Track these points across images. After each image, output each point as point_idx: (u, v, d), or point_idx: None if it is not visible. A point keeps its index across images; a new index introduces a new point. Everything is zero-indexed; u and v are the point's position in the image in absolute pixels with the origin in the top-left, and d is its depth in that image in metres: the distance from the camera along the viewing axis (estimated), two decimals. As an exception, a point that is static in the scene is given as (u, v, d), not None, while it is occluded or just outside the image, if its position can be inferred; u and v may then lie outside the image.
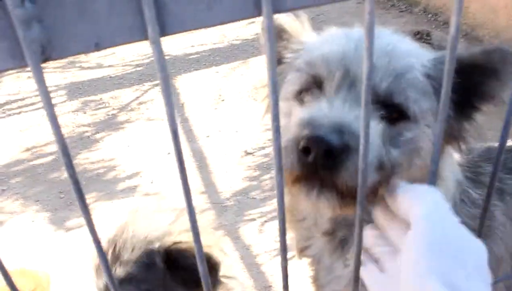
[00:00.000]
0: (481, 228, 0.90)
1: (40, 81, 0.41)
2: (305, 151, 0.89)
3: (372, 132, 0.88)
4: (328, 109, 0.97)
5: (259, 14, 0.44)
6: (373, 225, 0.92)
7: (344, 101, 0.99)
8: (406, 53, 1.08)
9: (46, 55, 0.41)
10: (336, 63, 1.06)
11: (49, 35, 0.40)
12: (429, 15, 6.00)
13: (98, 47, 0.41)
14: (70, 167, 0.47)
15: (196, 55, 5.50)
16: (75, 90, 5.10)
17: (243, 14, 0.44)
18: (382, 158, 0.97)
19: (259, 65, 5.22)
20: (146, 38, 0.42)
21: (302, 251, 1.41)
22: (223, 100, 4.73)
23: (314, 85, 1.10)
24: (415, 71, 1.05)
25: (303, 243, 1.39)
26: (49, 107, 0.42)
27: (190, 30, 0.43)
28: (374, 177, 0.94)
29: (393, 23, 5.91)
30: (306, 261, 1.47)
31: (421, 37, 5.74)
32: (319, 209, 1.06)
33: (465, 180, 1.33)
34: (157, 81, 5.03)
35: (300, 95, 1.14)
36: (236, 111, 4.54)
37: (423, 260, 0.71)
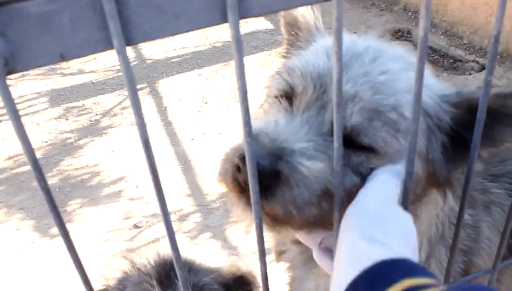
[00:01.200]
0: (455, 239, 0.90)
1: (5, 94, 0.41)
2: (238, 167, 0.87)
3: (317, 165, 0.86)
4: (280, 128, 0.92)
5: (225, 21, 0.44)
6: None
7: (304, 124, 0.94)
8: (400, 88, 0.98)
9: (9, 67, 0.40)
10: (314, 80, 0.99)
11: (12, 48, 0.40)
12: (409, 13, 6.04)
13: (63, 58, 0.41)
14: (41, 180, 0.47)
15: (178, 59, 5.48)
16: (56, 97, 5.06)
17: (210, 22, 0.44)
18: (329, 187, 0.89)
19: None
20: (111, 48, 0.42)
21: (279, 255, 1.39)
22: (206, 103, 4.73)
23: (288, 94, 1.04)
24: (400, 109, 0.96)
25: (281, 246, 1.37)
26: (16, 120, 0.42)
27: (155, 39, 0.43)
28: (313, 209, 0.88)
29: (374, 21, 5.95)
30: (284, 266, 1.45)
31: (401, 35, 5.79)
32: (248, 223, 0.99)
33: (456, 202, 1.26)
34: (140, 86, 5.02)
35: (276, 98, 1.09)
36: (219, 113, 4.54)
37: (349, 220, 0.78)
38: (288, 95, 1.03)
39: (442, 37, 5.51)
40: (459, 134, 1.01)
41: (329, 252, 0.97)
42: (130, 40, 0.43)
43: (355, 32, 5.67)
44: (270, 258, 3.07)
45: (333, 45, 0.48)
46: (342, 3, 0.44)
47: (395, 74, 0.99)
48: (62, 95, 5.08)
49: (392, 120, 0.94)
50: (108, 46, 0.42)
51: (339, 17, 0.45)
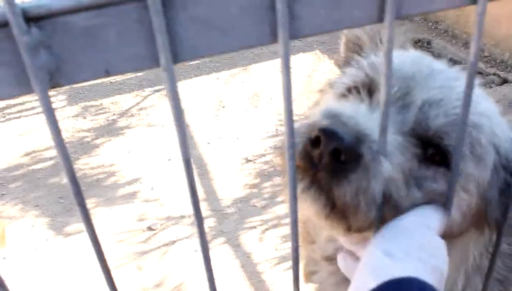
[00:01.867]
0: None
1: (48, 109, 0.40)
2: (315, 142, 0.78)
3: (395, 163, 0.81)
4: (362, 114, 0.86)
5: (275, 41, 0.43)
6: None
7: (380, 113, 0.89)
8: (480, 110, 0.94)
9: (54, 82, 0.39)
10: (399, 80, 0.94)
11: (57, 62, 0.38)
12: (430, 24, 5.99)
13: (108, 74, 0.40)
14: (71, 172, 0.46)
15: (196, 62, 5.48)
16: (75, 95, 5.08)
17: (259, 41, 0.42)
18: (394, 193, 0.84)
19: (260, 72, 5.20)
20: (157, 66, 0.41)
21: (308, 276, 1.33)
22: (223, 107, 4.72)
23: (366, 86, 0.99)
24: (479, 130, 0.92)
25: (311, 267, 1.31)
26: (58, 136, 0.40)
27: (203, 57, 0.42)
28: (374, 213, 0.82)
29: (394, 31, 5.90)
30: (313, 287, 1.40)
31: (421, 45, 5.75)
32: (304, 209, 0.88)
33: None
34: (158, 87, 5.03)
35: (349, 91, 1.03)
36: (236, 118, 4.53)
37: (381, 232, 0.78)
38: (369, 88, 0.98)
39: (462, 49, 5.45)
40: None
41: (354, 256, 0.96)
42: (177, 57, 0.41)
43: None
44: (286, 265, 3.05)
45: (384, 65, 0.47)
46: (393, 24, 0.43)
47: (478, 97, 0.96)
48: (80, 93, 5.10)
49: (473, 137, 0.91)
50: (155, 63, 0.41)
51: (390, 38, 0.43)
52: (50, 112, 0.40)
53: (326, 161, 0.77)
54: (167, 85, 0.42)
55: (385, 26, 0.44)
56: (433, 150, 0.90)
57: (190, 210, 3.51)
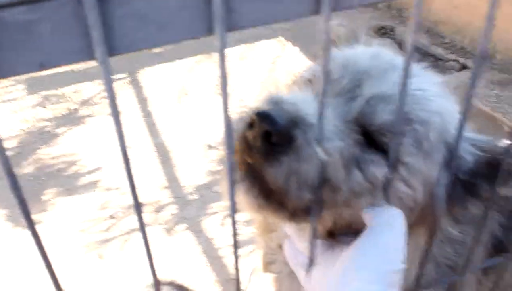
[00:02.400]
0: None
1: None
2: (251, 125, 0.80)
3: (332, 146, 0.82)
4: (305, 101, 0.87)
5: (211, 34, 0.43)
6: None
7: (330, 107, 0.90)
8: (432, 109, 0.97)
9: (-13, 76, 0.39)
10: (352, 73, 0.97)
11: (-10, 56, 0.38)
12: (393, 11, 6.07)
13: (43, 67, 0.40)
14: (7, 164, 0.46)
15: (159, 49, 5.43)
16: (35, 84, 4.97)
17: (195, 34, 0.43)
18: (333, 177, 0.85)
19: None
20: (93, 58, 0.41)
21: (267, 265, 1.35)
22: (186, 94, 4.70)
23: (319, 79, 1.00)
24: (427, 127, 0.95)
25: (269, 256, 1.33)
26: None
27: (140, 50, 0.42)
28: (309, 196, 0.82)
29: (358, 18, 5.96)
30: (271, 276, 1.42)
31: (385, 32, 5.82)
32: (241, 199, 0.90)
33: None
34: (120, 75, 4.97)
35: (307, 83, 1.06)
36: (200, 105, 4.52)
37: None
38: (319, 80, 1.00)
39: (424, 36, 5.55)
40: (473, 180, 0.99)
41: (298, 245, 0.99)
42: (113, 50, 0.41)
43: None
44: (248, 249, 3.07)
45: (323, 56, 0.48)
46: (331, 17, 0.44)
47: (432, 95, 0.99)
48: (41, 82, 5.00)
49: (419, 133, 0.93)
50: (90, 56, 0.41)
51: (327, 30, 0.44)
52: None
53: (258, 143, 0.78)
54: (104, 78, 0.42)
55: (322, 18, 0.45)
56: (376, 143, 0.92)
57: (152, 198, 3.51)
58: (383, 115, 0.91)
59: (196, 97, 4.64)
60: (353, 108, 0.92)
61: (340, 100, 0.92)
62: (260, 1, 0.43)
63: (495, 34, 0.69)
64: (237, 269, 0.75)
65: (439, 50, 5.23)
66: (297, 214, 0.86)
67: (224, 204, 3.45)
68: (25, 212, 0.51)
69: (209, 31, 0.43)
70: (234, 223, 0.64)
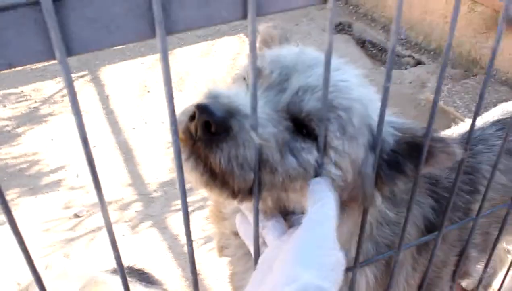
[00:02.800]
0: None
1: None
2: (192, 117, 0.90)
3: (266, 132, 0.93)
4: (239, 95, 0.97)
5: (154, 37, 0.51)
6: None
7: (262, 99, 1.00)
8: (355, 97, 1.07)
9: (-38, 74, 0.46)
10: (281, 67, 1.07)
11: (-36, 56, 0.46)
12: (350, 7, 6.23)
13: (11, 66, 0.47)
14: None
15: (120, 46, 5.43)
16: (-7, 83, 4.93)
17: (141, 37, 0.51)
18: (270, 159, 0.95)
19: (184, 56, 5.24)
20: (54, 59, 0.48)
21: (221, 250, 1.44)
22: (148, 91, 4.73)
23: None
24: (351, 114, 1.04)
25: (223, 241, 1.42)
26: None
27: (94, 50, 0.49)
28: (251, 176, 0.91)
29: (316, 14, 6.08)
30: (225, 260, 1.50)
31: (342, 28, 5.96)
32: (195, 184, 1.00)
33: (383, 203, 1.33)
34: (81, 73, 4.96)
35: (245, 79, 1.16)
36: (162, 102, 4.56)
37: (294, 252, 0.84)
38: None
39: (381, 32, 5.71)
40: (396, 159, 1.09)
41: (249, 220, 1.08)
42: (70, 51, 0.49)
43: (297, 25, 5.80)
44: (212, 245, 3.13)
45: (249, 55, 0.56)
46: (256, 21, 0.52)
47: (353, 85, 1.09)
48: (0, 81, 4.96)
49: (343, 119, 1.03)
50: (51, 56, 0.48)
51: (253, 31, 0.53)
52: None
53: (199, 133, 0.89)
54: (63, 76, 0.50)
55: (248, 22, 0.53)
56: (306, 130, 1.02)
57: (116, 196, 3.55)
58: (310, 104, 1.01)
59: (158, 94, 4.68)
60: (283, 99, 1.03)
61: (271, 93, 1.03)
62: (194, 8, 0.51)
63: (448, 30, 0.78)
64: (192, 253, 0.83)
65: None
66: (240, 193, 0.95)
67: (188, 200, 3.50)
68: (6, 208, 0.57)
69: (152, 33, 0.51)
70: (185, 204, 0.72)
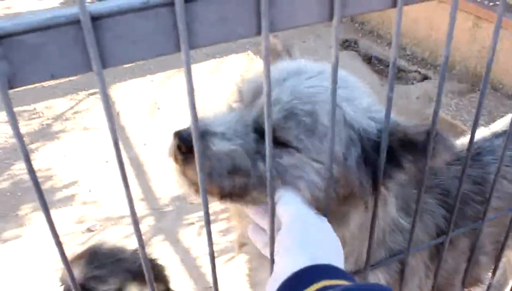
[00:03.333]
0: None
1: (8, 106, 0.53)
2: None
3: (232, 144, 1.08)
4: (217, 117, 1.15)
5: (179, 51, 0.57)
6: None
7: (236, 117, 1.15)
8: (321, 99, 1.13)
9: (10, 84, 0.52)
10: (255, 88, 1.18)
11: (13, 69, 0.52)
12: (356, 24, 6.31)
13: (53, 78, 0.53)
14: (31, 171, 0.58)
15: (131, 64, 5.51)
16: (7, 100, 5.02)
17: (167, 51, 0.57)
18: (242, 166, 1.10)
19: (193, 73, 5.31)
20: (91, 70, 0.55)
21: (240, 247, 1.50)
22: (158, 108, 4.81)
23: (237, 98, 1.25)
24: (316, 116, 1.12)
25: (242, 239, 1.48)
26: (15, 127, 0.53)
27: (126, 64, 0.56)
28: (227, 182, 1.09)
29: (323, 31, 6.17)
30: (244, 258, 1.56)
31: (349, 45, 6.05)
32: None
33: (397, 212, 1.40)
34: (92, 90, 5.05)
35: (231, 102, 1.30)
36: (172, 119, 4.63)
37: (292, 248, 0.94)
38: (237, 99, 1.25)
39: (387, 48, 5.78)
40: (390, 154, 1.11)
41: (263, 230, 1.15)
42: (105, 64, 0.55)
43: (304, 42, 5.89)
44: (225, 258, 3.17)
45: (263, 69, 0.62)
46: (269, 37, 0.58)
47: (322, 89, 1.15)
48: (13, 98, 4.99)
49: (307, 123, 1.11)
50: (89, 69, 0.55)
51: (267, 47, 0.59)
52: (10, 109, 0.53)
53: (176, 153, 1.10)
54: (99, 87, 0.56)
55: (262, 38, 0.59)
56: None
57: (128, 210, 3.59)
58: (273, 115, 1.10)
59: (168, 111, 4.76)
60: (252, 114, 1.16)
61: (244, 110, 1.18)
62: (214, 26, 0.58)
63: (453, 46, 0.83)
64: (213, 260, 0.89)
65: (401, 62, 5.46)
66: (222, 196, 1.12)
67: (200, 214, 3.55)
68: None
69: (177, 48, 0.57)
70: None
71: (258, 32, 0.60)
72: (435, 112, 0.92)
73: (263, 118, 1.06)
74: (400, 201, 1.44)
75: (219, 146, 1.08)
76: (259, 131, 1.12)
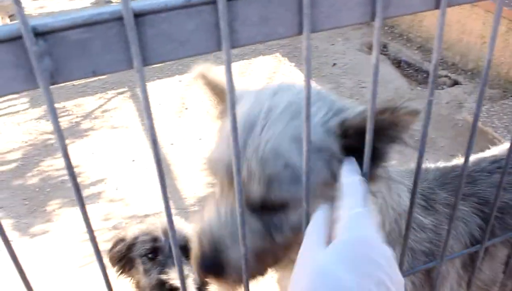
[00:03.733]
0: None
1: (49, 100, 0.53)
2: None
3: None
4: (214, 226, 1.10)
5: (220, 49, 0.57)
6: None
7: (228, 212, 1.09)
8: (285, 148, 1.05)
9: (53, 80, 0.53)
10: (226, 169, 1.09)
11: (56, 65, 0.52)
12: (386, 28, 6.26)
13: (95, 74, 0.53)
14: (70, 167, 0.59)
15: (159, 64, 5.56)
16: (37, 97, 5.12)
17: (208, 50, 0.57)
18: (261, 247, 1.09)
19: (222, 74, 5.33)
20: (132, 67, 0.55)
21: None
22: (186, 108, 4.84)
23: (215, 183, 1.19)
24: (292, 166, 1.04)
25: None
26: (56, 122, 0.54)
27: (166, 61, 0.55)
28: (254, 265, 1.09)
29: (352, 34, 6.14)
30: None
31: (378, 48, 5.99)
32: None
33: (416, 207, 1.36)
34: (121, 90, 5.11)
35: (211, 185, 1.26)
36: (199, 119, 4.66)
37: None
38: (216, 184, 1.18)
39: (416, 52, 5.72)
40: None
41: None
42: (146, 60, 0.55)
43: (333, 44, 5.86)
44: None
45: (305, 69, 0.62)
46: (310, 37, 0.58)
47: (279, 136, 1.06)
48: (43, 96, 5.12)
49: (286, 177, 1.04)
50: (130, 65, 0.55)
51: (308, 47, 0.58)
52: (51, 103, 0.53)
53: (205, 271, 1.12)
54: (140, 83, 0.56)
55: (303, 38, 0.59)
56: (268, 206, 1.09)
57: (155, 209, 3.63)
58: (256, 191, 1.06)
59: (195, 111, 4.78)
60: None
61: (230, 199, 1.10)
62: (255, 26, 0.57)
63: (485, 51, 0.81)
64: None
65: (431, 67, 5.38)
66: (263, 273, 1.15)
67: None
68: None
69: (218, 47, 0.57)
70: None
71: (299, 32, 0.59)
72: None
73: (250, 194, 1.05)
74: (420, 198, 1.43)
75: (235, 254, 1.06)
76: (253, 208, 1.07)
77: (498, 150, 1.81)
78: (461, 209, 1.54)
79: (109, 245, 3.36)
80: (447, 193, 1.53)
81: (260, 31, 0.58)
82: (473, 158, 1.67)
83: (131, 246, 2.14)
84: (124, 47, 0.53)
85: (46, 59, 0.51)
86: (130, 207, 3.68)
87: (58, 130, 0.54)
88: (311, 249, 0.84)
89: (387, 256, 0.79)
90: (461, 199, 1.50)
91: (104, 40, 0.52)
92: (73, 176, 0.61)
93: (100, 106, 4.98)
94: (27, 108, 4.99)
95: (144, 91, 0.56)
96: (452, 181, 1.55)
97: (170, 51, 0.55)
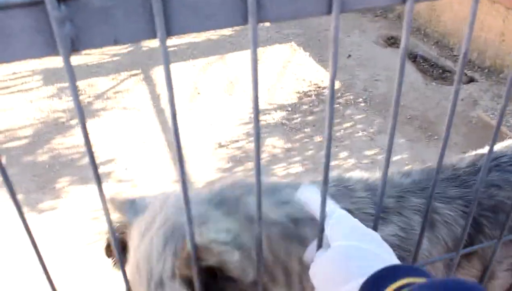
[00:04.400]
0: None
1: (69, 68, 0.51)
2: None
3: None
4: None
5: (246, 23, 0.55)
6: None
7: None
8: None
9: (74, 47, 0.51)
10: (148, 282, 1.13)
11: (77, 32, 0.50)
12: (403, 21, 6.17)
13: (116, 43, 0.52)
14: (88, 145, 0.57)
15: (173, 48, 5.57)
16: (51, 76, 5.12)
17: (233, 23, 0.55)
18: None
19: (235, 61, 5.32)
20: (154, 38, 0.53)
21: None
22: (199, 93, 4.83)
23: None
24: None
25: None
26: (74, 90, 0.52)
27: (190, 33, 0.54)
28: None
29: (368, 26, 6.08)
30: None
31: (394, 42, 5.94)
32: None
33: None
34: (134, 71, 5.10)
35: None
36: (211, 105, 4.64)
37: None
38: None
39: (433, 47, 5.65)
40: None
41: None
42: (170, 32, 0.53)
43: (349, 36, 5.80)
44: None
45: (331, 51, 0.60)
46: (339, 18, 0.56)
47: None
48: (56, 74, 5.14)
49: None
50: (152, 36, 0.53)
51: (336, 27, 0.56)
52: (71, 71, 0.52)
53: None
54: (162, 53, 0.54)
55: (332, 18, 0.57)
56: None
57: (162, 191, 3.63)
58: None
59: (208, 97, 4.77)
60: None
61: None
62: (283, 2, 0.55)
63: (504, 49, 0.79)
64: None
65: (447, 62, 5.34)
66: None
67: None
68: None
69: (245, 21, 0.55)
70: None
71: (328, 12, 0.57)
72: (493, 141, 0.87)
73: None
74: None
75: None
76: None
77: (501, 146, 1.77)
78: (442, 213, 1.50)
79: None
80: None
81: (288, 7, 0.56)
82: (468, 157, 1.65)
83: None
84: (147, 17, 0.51)
85: (68, 25, 0.49)
86: (139, 187, 3.69)
87: (76, 99, 0.53)
88: None
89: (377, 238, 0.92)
90: (446, 202, 1.48)
91: (127, 9, 0.51)
92: (91, 153, 0.59)
93: (113, 87, 4.97)
94: (40, 86, 5.00)
95: (166, 62, 0.55)
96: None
97: (195, 23, 0.54)
